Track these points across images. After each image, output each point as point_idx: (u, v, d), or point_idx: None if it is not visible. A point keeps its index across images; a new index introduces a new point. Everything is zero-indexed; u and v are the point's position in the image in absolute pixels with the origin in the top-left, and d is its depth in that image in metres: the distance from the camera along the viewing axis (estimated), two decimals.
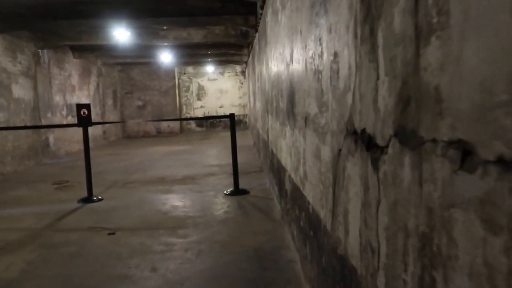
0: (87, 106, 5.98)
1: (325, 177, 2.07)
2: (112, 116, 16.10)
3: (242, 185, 6.07)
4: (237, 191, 5.88)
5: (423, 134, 1.00)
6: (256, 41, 8.31)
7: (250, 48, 11.00)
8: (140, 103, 17.52)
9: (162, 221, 4.73)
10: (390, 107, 1.20)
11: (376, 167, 1.33)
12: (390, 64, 1.19)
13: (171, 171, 8.20)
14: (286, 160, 3.87)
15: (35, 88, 9.86)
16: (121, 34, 8.15)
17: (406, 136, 1.10)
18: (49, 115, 10.52)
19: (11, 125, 8.73)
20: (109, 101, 15.90)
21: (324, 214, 2.14)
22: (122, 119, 17.27)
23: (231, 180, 6.12)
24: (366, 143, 1.42)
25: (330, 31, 1.88)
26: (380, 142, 1.29)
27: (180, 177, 7.49)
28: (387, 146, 1.23)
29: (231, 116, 5.76)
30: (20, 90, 9.17)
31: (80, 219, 4.95)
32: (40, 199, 6.15)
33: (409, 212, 1.09)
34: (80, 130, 6.11)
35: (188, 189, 6.36)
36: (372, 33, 1.33)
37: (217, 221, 4.61)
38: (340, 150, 1.77)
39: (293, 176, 3.36)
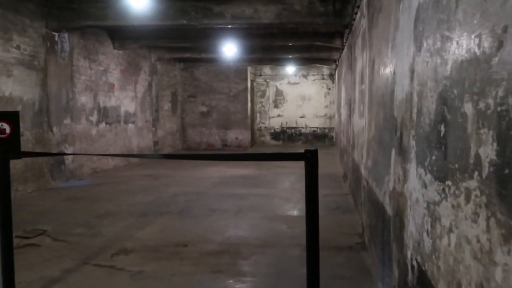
0: (13, 116, 2.90)
1: None
2: (168, 123, 13.34)
3: None
4: None
5: None
6: (363, 11, 4.82)
7: (347, 34, 7.48)
8: (204, 108, 14.57)
9: None
10: None
11: None
12: None
13: (209, 224, 4.97)
14: None
15: (43, 84, 7.17)
16: None
17: None
18: (67, 121, 7.81)
19: None
20: (166, 106, 13.13)
21: None
22: (182, 126, 14.51)
23: (304, 266, 2.69)
24: None
25: None
26: None
27: (215, 245, 4.22)
28: None
29: (309, 157, 2.28)
30: (15, 86, 6.49)
31: None
32: None
33: None
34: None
35: None
36: None
37: None
38: None
39: None
